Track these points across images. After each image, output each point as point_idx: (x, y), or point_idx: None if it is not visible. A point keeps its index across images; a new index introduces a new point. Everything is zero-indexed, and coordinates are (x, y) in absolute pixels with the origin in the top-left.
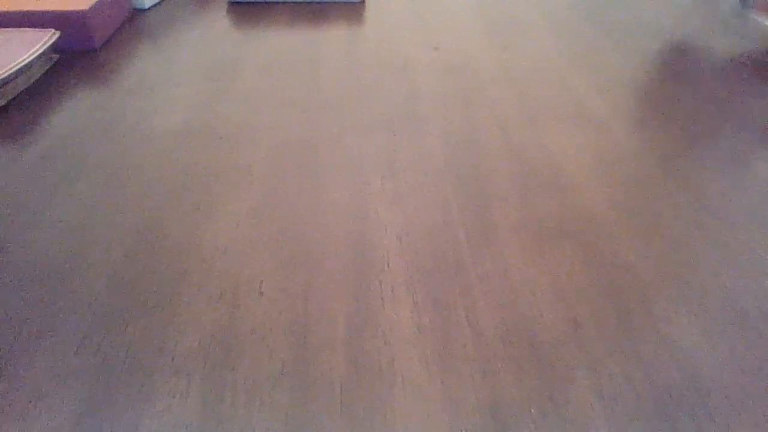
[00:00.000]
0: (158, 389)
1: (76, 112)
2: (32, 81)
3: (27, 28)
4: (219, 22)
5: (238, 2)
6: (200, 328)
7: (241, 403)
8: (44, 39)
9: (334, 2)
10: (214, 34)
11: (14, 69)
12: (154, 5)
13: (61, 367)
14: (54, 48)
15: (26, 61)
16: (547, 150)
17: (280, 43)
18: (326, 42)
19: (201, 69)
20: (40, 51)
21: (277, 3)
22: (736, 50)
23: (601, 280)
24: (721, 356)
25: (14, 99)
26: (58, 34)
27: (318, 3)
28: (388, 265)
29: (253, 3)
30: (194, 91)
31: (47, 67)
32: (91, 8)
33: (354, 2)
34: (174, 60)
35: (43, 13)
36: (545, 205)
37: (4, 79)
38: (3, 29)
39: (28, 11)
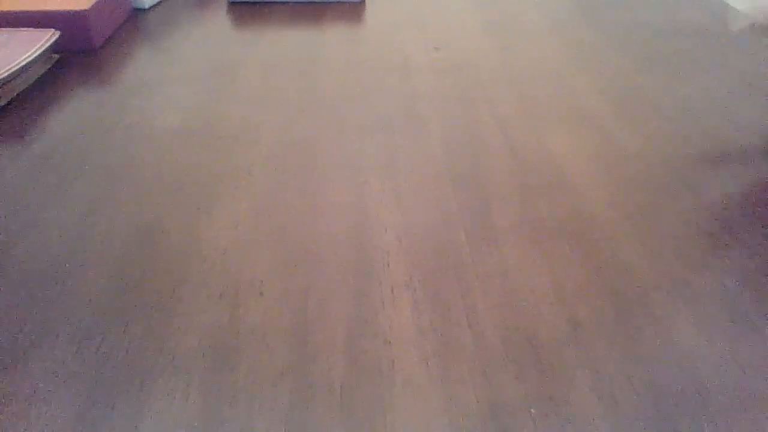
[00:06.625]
0: (158, 389)
1: (76, 112)
2: (32, 81)
3: (27, 28)
4: (219, 22)
5: (238, 2)
6: (200, 328)
7: (241, 403)
8: (44, 39)
9: (334, 2)
10: (214, 34)
11: (14, 69)
12: (154, 5)
13: (61, 367)
14: (54, 48)
15: (26, 61)
16: (547, 150)
17: (280, 43)
18: (326, 42)
19: (201, 69)
20: (40, 51)
21: (277, 3)
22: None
23: (601, 280)
24: (721, 356)
25: (14, 99)
26: (58, 34)
27: (318, 3)
28: (388, 265)
29: (253, 3)
30: (194, 91)
31: (47, 67)
32: (91, 8)
33: (354, 2)
34: (174, 60)
35: (43, 13)
36: (545, 205)
37: (4, 79)
38: (3, 29)
39: (28, 11)
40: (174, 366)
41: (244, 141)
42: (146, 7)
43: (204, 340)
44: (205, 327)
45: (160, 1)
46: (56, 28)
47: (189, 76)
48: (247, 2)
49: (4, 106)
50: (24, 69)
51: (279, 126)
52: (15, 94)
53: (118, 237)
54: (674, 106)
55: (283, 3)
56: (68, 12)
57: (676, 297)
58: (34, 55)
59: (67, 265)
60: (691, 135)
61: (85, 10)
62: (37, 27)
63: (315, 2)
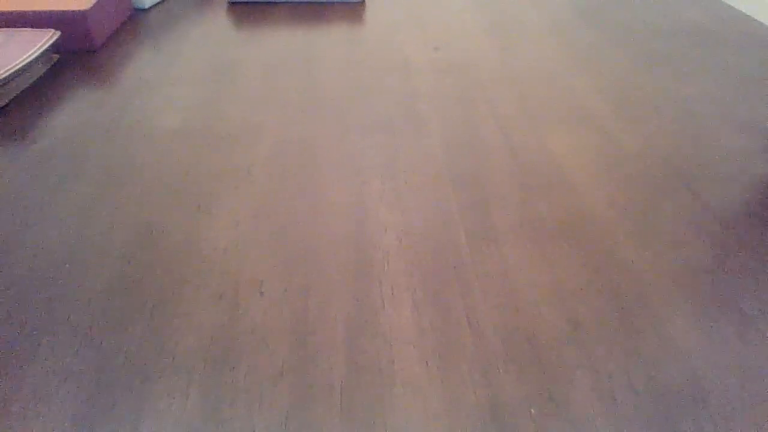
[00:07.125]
0: (158, 389)
1: (76, 112)
2: (32, 81)
3: (27, 28)
4: (219, 22)
5: (238, 2)
6: (200, 328)
7: (241, 403)
8: (44, 39)
9: (334, 2)
10: (215, 34)
11: (14, 69)
12: (155, 5)
13: (61, 367)
14: (54, 48)
15: (26, 61)
16: (547, 150)
17: (280, 43)
18: (326, 42)
19: (201, 69)
20: (40, 51)
21: (277, 3)
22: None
23: (601, 280)
24: (721, 356)
25: (14, 99)
26: (58, 34)
27: (318, 3)
28: (388, 265)
29: (253, 3)
30: (194, 91)
31: (47, 67)
32: (91, 8)
33: (354, 2)
34: (174, 60)
35: (43, 13)
36: (545, 205)
37: (4, 79)
38: (3, 29)
39: (28, 11)
40: (174, 366)
41: (244, 141)
42: (146, 7)
43: (204, 340)
44: (205, 327)
45: (160, 1)
46: (56, 28)
47: (189, 76)
48: (247, 2)
49: (4, 106)
50: (24, 69)
51: (279, 126)
52: (15, 94)
53: (118, 237)
54: (674, 106)
55: (283, 3)
56: (68, 12)
57: (676, 297)
58: (34, 55)
59: (67, 265)
60: (691, 135)
61: (85, 10)
62: (37, 27)
63: (315, 2)
